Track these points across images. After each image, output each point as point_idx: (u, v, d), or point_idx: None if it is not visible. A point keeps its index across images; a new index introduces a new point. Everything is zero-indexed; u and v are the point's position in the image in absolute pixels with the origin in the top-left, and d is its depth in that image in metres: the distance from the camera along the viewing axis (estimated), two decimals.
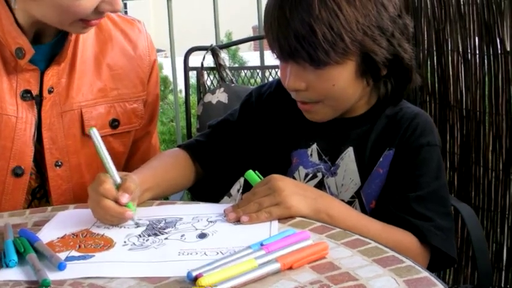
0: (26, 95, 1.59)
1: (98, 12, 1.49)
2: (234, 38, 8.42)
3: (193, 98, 4.10)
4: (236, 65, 7.98)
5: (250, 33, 20.77)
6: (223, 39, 7.89)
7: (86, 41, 1.68)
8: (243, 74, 2.87)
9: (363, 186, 1.46)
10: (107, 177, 1.34)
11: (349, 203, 1.46)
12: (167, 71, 6.80)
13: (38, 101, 1.61)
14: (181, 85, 3.41)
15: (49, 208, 1.51)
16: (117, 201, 1.31)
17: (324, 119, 1.49)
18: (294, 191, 1.32)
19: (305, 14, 1.32)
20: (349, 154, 1.48)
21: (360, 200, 1.47)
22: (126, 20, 1.79)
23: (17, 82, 1.58)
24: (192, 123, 2.73)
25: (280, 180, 1.33)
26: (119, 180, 1.35)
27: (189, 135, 2.70)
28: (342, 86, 1.40)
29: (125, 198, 1.31)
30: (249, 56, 8.16)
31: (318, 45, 1.33)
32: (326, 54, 1.33)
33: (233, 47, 7.97)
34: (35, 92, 1.60)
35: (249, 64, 8.16)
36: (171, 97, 6.39)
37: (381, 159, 1.45)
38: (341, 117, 1.50)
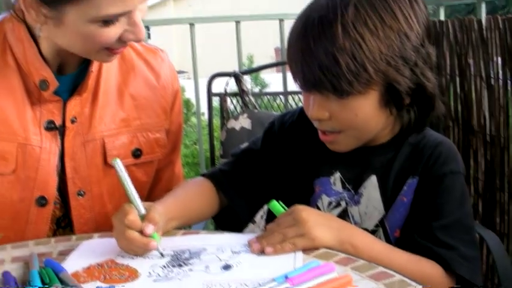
0: (49, 125, 1.61)
1: (122, 41, 1.51)
2: (256, 60, 8.46)
3: (216, 121, 4.11)
4: (258, 87, 8.00)
5: (272, 55, 20.85)
6: (245, 62, 7.92)
7: (109, 71, 1.69)
8: (265, 98, 2.88)
9: (387, 214, 1.46)
10: (131, 208, 1.34)
11: (373, 231, 1.46)
12: (190, 94, 6.82)
13: (61, 131, 1.63)
14: (203, 108, 3.45)
15: (74, 237, 1.51)
16: (141, 232, 1.32)
17: (346, 149, 1.49)
18: (318, 221, 1.32)
19: (329, 45, 1.32)
20: (372, 182, 1.48)
21: (384, 228, 1.46)
22: (148, 49, 1.80)
23: (40, 113, 1.60)
24: (215, 146, 2.74)
25: (304, 211, 1.33)
26: (143, 211, 1.35)
27: (212, 159, 2.71)
28: (364, 115, 1.40)
29: (149, 229, 1.32)
30: (271, 77, 8.19)
31: (341, 76, 1.33)
32: (349, 84, 1.33)
33: None
34: (58, 122, 1.62)
35: (271, 86, 8.19)
36: (193, 120, 6.41)
37: (405, 187, 1.45)
38: (364, 145, 1.49)
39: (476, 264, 1.41)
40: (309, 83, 1.39)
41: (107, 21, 1.44)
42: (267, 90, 8.28)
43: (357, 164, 1.50)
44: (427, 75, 1.40)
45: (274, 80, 6.51)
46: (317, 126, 1.47)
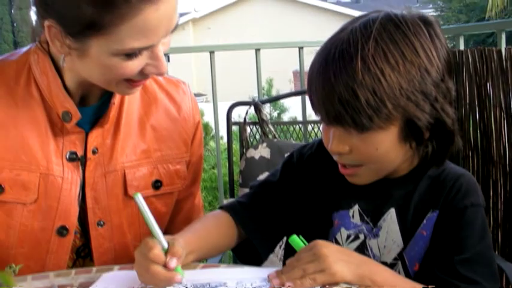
0: (71, 156, 1.63)
1: (143, 74, 1.52)
2: (275, 83, 8.50)
3: (236, 146, 4.12)
4: (277, 111, 8.03)
5: (291, 78, 20.94)
6: (264, 86, 7.95)
7: (132, 103, 1.71)
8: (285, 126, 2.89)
9: (406, 248, 1.46)
10: (155, 243, 1.35)
11: (392, 265, 1.46)
12: (208, 117, 6.84)
13: (83, 161, 1.65)
14: (222, 131, 3.48)
15: (94, 269, 1.52)
16: (165, 266, 1.32)
17: (366, 182, 1.49)
18: (338, 257, 1.32)
19: (349, 79, 1.33)
20: (391, 215, 1.48)
21: (403, 262, 1.46)
22: (171, 81, 1.82)
23: (63, 144, 1.62)
24: (233, 171, 2.73)
25: (324, 247, 1.33)
26: (166, 245, 1.36)
27: (231, 185, 2.70)
28: (385, 150, 1.40)
29: (173, 262, 1.32)
30: (290, 101, 8.20)
31: (361, 111, 1.33)
32: (369, 119, 1.34)
33: (274, 93, 8.04)
34: (80, 153, 1.64)
35: (290, 110, 8.21)
36: (212, 144, 6.43)
37: (425, 221, 1.45)
38: (383, 178, 1.49)
39: None
40: (330, 117, 1.39)
41: (130, 55, 1.46)
42: (286, 114, 8.31)
43: (375, 197, 1.51)
44: (446, 110, 1.40)
45: (293, 104, 6.53)
46: (337, 160, 1.48)
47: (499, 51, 2.22)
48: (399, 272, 1.44)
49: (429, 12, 24.72)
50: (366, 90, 1.32)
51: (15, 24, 21.38)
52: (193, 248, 1.48)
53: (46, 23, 1.46)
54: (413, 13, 1.42)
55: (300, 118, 2.90)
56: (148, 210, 1.36)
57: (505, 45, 2.57)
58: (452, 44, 2.97)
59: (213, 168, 5.93)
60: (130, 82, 1.54)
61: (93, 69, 1.51)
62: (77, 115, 1.59)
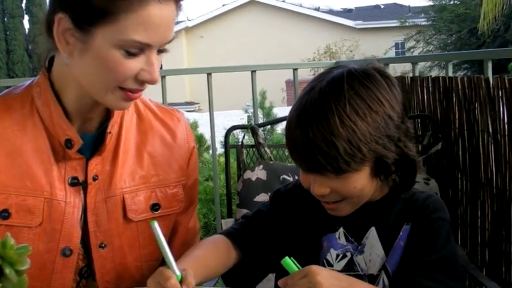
0: (73, 181, 1.71)
1: (137, 80, 1.59)
2: (268, 96, 8.57)
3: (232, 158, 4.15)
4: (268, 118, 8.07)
5: (284, 87, 20.97)
6: (258, 98, 7.99)
7: (129, 132, 1.80)
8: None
9: (388, 258, 1.61)
10: (171, 273, 1.44)
11: (378, 275, 1.61)
12: (202, 129, 6.84)
13: (84, 186, 1.72)
14: (214, 141, 3.54)
15: None
16: None
17: (346, 214, 1.65)
18: (331, 282, 1.42)
19: (327, 134, 1.49)
20: (372, 233, 1.64)
21: (386, 271, 1.61)
22: (165, 110, 1.91)
23: (65, 170, 1.70)
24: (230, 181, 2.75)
25: (317, 274, 1.41)
26: (179, 274, 1.44)
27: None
28: (361, 186, 1.56)
29: None
30: (282, 111, 8.26)
31: (339, 158, 1.49)
32: (347, 164, 1.50)
33: (267, 105, 8.10)
34: (81, 178, 1.72)
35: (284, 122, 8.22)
36: (206, 155, 6.43)
37: (401, 233, 1.62)
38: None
39: None
40: (311, 167, 1.55)
41: (130, 53, 1.55)
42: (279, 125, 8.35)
43: (357, 219, 1.66)
44: (408, 146, 1.59)
45: (285, 114, 6.58)
46: (319, 199, 1.63)
47: (487, 80, 2.30)
48: (383, 281, 1.60)
49: (421, 21, 24.75)
50: (343, 141, 1.49)
51: (8, 33, 21.36)
52: (195, 274, 1.56)
53: (58, 15, 1.54)
54: (372, 66, 1.61)
55: None
56: (164, 238, 1.45)
57: (491, 74, 2.64)
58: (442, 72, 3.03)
59: (207, 180, 5.90)
60: (125, 92, 1.61)
61: (93, 67, 1.58)
62: (78, 142, 1.67)
